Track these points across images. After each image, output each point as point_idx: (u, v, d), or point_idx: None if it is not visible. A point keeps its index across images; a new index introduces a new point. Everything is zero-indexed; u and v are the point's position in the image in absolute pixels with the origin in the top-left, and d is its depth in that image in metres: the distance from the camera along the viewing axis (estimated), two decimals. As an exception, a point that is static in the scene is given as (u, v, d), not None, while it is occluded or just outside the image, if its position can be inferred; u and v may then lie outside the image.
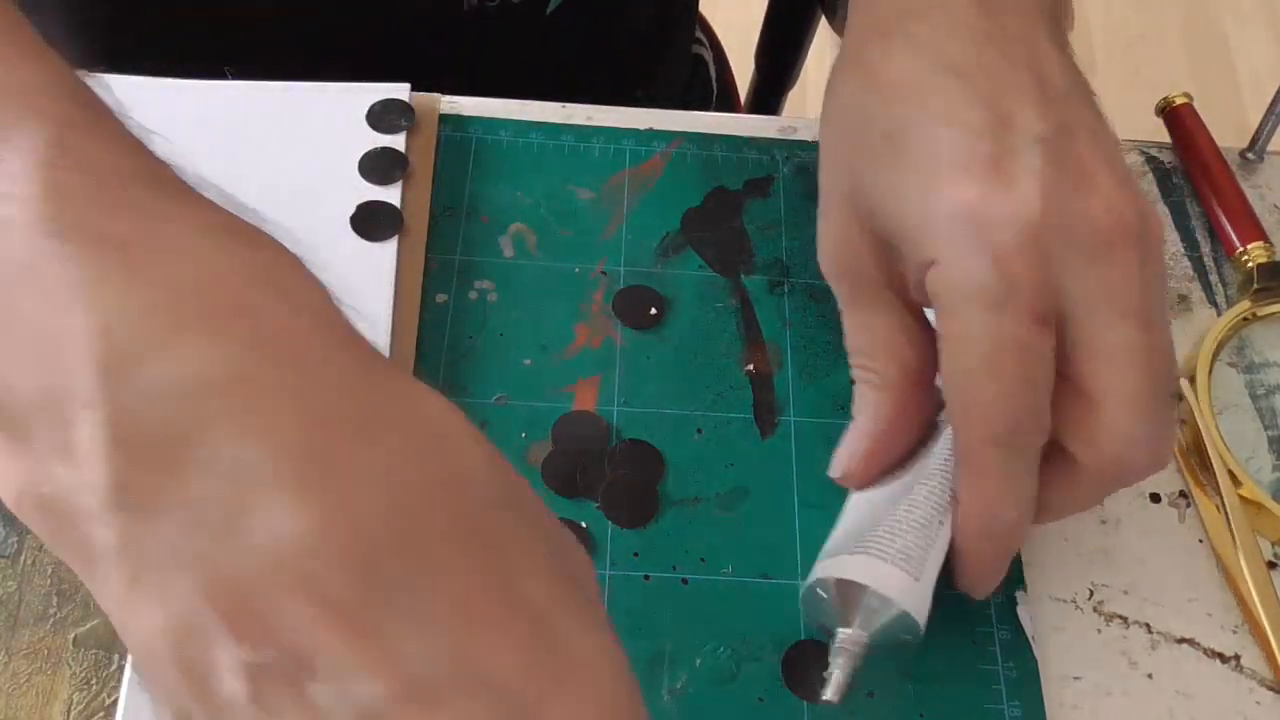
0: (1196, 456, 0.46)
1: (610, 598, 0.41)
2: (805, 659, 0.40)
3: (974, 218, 0.35)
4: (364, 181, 0.48)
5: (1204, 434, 0.45)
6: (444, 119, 0.51)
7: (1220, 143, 0.53)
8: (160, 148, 0.29)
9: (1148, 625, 0.42)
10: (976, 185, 0.35)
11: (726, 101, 0.84)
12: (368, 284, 0.46)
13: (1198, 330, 0.49)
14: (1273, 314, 0.49)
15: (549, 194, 0.50)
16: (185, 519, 0.24)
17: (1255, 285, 0.49)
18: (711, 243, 0.50)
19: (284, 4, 0.58)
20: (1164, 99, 0.55)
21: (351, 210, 0.47)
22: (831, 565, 0.38)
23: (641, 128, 0.52)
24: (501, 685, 0.24)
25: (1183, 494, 0.45)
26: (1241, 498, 0.44)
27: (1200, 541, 0.44)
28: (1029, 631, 0.41)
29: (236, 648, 0.23)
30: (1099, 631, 0.42)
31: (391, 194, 0.48)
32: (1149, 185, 0.53)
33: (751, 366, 0.47)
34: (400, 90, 0.51)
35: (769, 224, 0.50)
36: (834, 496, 0.41)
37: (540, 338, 0.46)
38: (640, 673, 0.28)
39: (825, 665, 0.37)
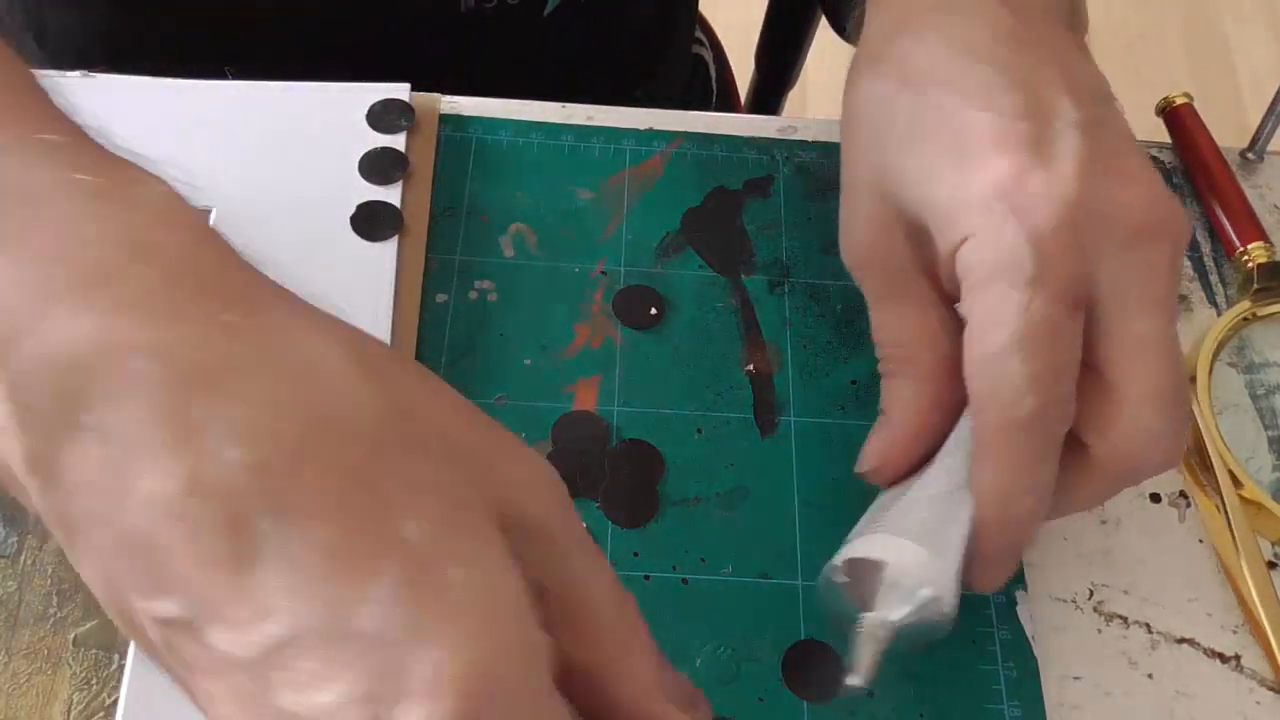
0: (1196, 456, 0.46)
1: (610, 598, 0.41)
2: (805, 659, 0.40)
3: (1011, 193, 0.34)
4: (364, 181, 0.48)
5: (1204, 434, 0.45)
6: (444, 119, 0.51)
7: (1220, 143, 0.53)
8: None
9: (1148, 625, 0.42)
10: (1014, 161, 0.35)
11: (726, 101, 0.84)
12: (368, 284, 0.46)
13: (1198, 330, 0.49)
14: (1273, 314, 0.49)
15: (549, 194, 0.50)
16: (85, 485, 0.25)
17: (1255, 285, 0.49)
18: (711, 243, 0.50)
19: (284, 4, 0.58)
20: (1164, 99, 0.55)
21: (351, 210, 0.47)
22: (846, 550, 0.37)
23: (641, 128, 0.52)
24: (370, 634, 0.24)
25: (1183, 494, 0.45)
26: (1241, 498, 0.44)
27: (1200, 541, 0.44)
28: (1029, 631, 0.41)
29: (142, 602, 0.25)
30: (1099, 631, 0.42)
31: (391, 194, 0.48)
32: (1149, 185, 0.53)
33: (751, 366, 0.47)
34: (400, 90, 0.51)
35: (769, 224, 0.50)
36: (834, 496, 0.41)
37: (540, 338, 0.46)
38: (640, 673, 0.28)
39: (825, 665, 0.37)
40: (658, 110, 0.53)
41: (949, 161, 0.36)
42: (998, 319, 0.34)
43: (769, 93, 0.89)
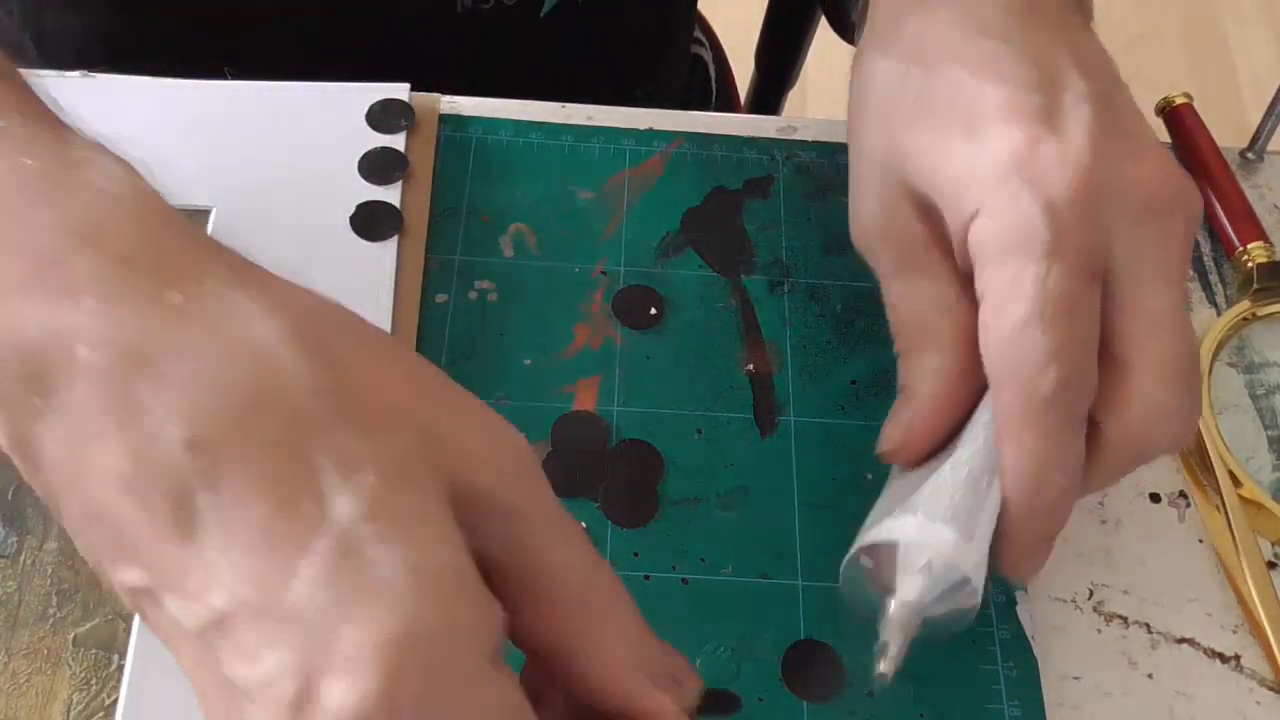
0: (1196, 456, 0.46)
1: (610, 598, 0.41)
2: (805, 659, 0.40)
3: (1024, 164, 0.34)
4: (364, 181, 0.48)
5: (1204, 434, 0.45)
6: (444, 119, 0.51)
7: (1220, 143, 0.53)
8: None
9: (1148, 625, 0.42)
10: (1027, 132, 0.34)
11: (726, 101, 0.84)
12: (368, 284, 0.46)
13: (1197, 330, 0.49)
14: (1273, 314, 0.49)
15: (549, 194, 0.50)
16: (55, 463, 0.26)
17: (1255, 285, 0.49)
18: (711, 243, 0.50)
19: (284, 4, 0.58)
20: (1164, 99, 0.55)
21: (351, 210, 0.47)
22: (875, 532, 0.35)
23: (641, 128, 0.52)
24: (299, 610, 0.24)
25: (1183, 494, 0.45)
26: (1241, 498, 0.44)
27: (1200, 541, 0.44)
28: (1029, 631, 0.41)
29: (113, 570, 0.26)
30: (1099, 631, 0.42)
31: (391, 194, 0.48)
32: (1149, 185, 0.53)
33: (751, 366, 0.47)
34: (400, 90, 0.51)
35: (769, 224, 0.50)
36: (834, 496, 0.41)
37: (540, 338, 0.46)
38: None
39: (825, 665, 0.37)
40: (657, 110, 0.53)
41: (960, 135, 0.35)
42: (1015, 293, 0.33)
43: (769, 93, 0.89)
